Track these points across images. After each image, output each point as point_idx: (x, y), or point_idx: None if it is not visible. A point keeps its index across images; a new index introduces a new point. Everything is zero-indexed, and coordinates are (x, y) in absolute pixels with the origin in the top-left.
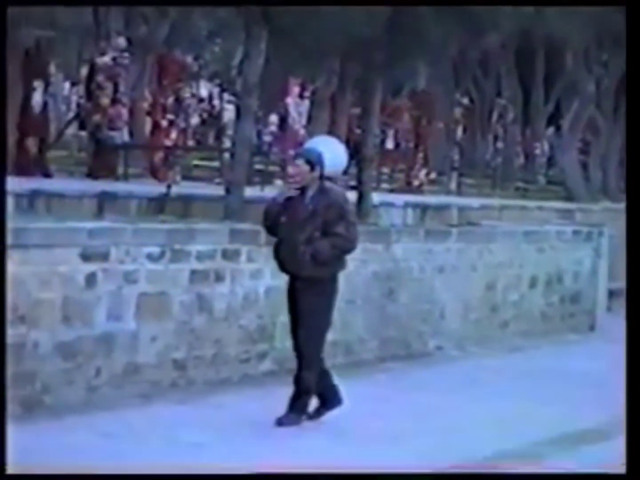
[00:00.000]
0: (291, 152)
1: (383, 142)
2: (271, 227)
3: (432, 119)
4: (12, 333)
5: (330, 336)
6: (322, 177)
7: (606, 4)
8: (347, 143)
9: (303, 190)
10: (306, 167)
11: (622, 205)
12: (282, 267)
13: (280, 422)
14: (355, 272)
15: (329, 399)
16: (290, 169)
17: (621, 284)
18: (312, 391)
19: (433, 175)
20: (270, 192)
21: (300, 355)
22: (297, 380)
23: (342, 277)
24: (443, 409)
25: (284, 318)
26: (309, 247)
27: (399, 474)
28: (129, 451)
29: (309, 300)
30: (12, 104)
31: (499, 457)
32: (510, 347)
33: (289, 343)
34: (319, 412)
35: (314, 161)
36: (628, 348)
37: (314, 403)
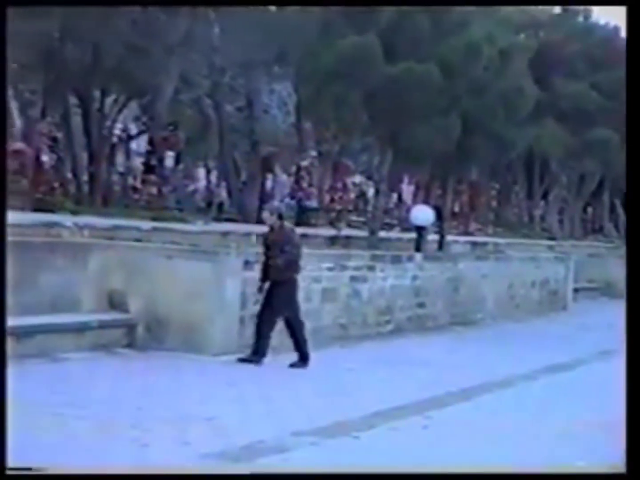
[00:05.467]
0: (404, 214)
1: (453, 208)
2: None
3: (478, 196)
4: (252, 309)
5: (425, 311)
6: (280, 218)
7: (606, 4)
8: (435, 208)
9: (272, 228)
10: (270, 215)
11: (582, 242)
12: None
13: (243, 359)
14: (438, 278)
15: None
16: (264, 215)
17: (578, 285)
18: (263, 352)
19: (479, 226)
20: (393, 234)
21: (260, 327)
22: (256, 343)
23: (432, 280)
24: (483, 350)
25: (401, 301)
26: (272, 261)
27: (399, 474)
28: (316, 372)
29: (273, 295)
30: (253, 187)
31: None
32: (520, 319)
33: (404, 315)
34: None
35: (275, 212)
36: (628, 352)
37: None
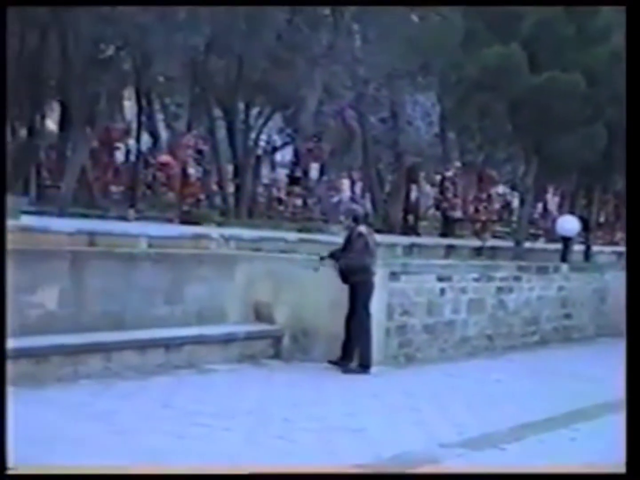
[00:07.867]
0: (550, 224)
1: (598, 217)
2: None
3: (624, 206)
4: (398, 320)
5: (571, 322)
6: (356, 221)
7: (606, 4)
8: (580, 218)
9: (349, 232)
10: (345, 218)
11: None
12: None
13: (332, 362)
14: (585, 288)
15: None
16: (342, 218)
17: None
18: (351, 356)
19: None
20: (538, 245)
21: (347, 331)
22: (344, 347)
23: (578, 290)
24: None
25: (547, 312)
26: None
27: (398, 474)
28: (463, 384)
29: (353, 298)
30: (397, 197)
31: None
32: None
33: (550, 326)
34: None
35: (350, 215)
36: (628, 350)
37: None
